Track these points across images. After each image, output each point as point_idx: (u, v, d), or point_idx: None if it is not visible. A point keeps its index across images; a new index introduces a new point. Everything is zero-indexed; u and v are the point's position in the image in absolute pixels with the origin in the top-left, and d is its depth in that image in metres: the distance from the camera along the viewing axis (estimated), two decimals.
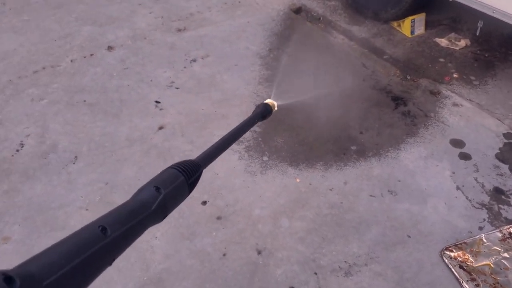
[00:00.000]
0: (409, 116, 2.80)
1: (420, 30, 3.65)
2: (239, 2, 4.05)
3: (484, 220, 2.15)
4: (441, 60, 3.36)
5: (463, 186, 2.33)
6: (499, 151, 2.53)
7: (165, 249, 2.02)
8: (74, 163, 2.45)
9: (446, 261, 1.95)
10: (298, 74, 3.12)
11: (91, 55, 3.33)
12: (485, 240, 2.04)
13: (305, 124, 2.72)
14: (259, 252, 2.02)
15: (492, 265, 1.94)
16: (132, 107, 2.85)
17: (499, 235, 2.06)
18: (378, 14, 3.70)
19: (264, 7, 3.98)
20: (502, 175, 2.39)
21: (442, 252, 1.99)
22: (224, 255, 2.01)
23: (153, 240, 2.05)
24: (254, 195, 2.28)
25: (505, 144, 2.58)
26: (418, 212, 2.20)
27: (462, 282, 1.87)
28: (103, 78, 3.09)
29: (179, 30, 3.67)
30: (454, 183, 2.34)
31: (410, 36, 3.61)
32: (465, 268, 1.92)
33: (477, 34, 3.29)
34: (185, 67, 3.23)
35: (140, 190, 0.69)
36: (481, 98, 2.96)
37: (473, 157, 2.49)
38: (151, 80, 3.09)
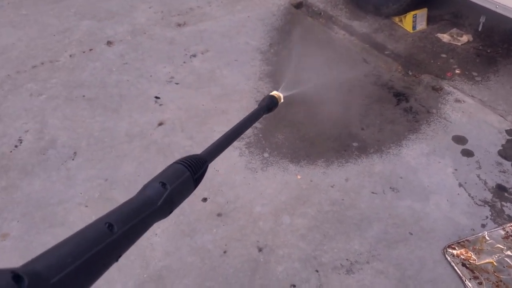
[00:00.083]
0: (411, 112, 2.78)
1: (422, 25, 3.62)
2: None
3: (487, 217, 2.14)
4: (443, 55, 3.33)
5: (465, 183, 2.31)
6: (501, 148, 2.51)
7: (165, 246, 2.00)
8: (73, 159, 2.42)
9: (449, 258, 1.94)
10: (299, 70, 3.09)
11: (90, 50, 3.30)
12: (488, 238, 2.02)
13: (306, 120, 2.70)
14: (260, 249, 2.00)
15: (495, 263, 1.92)
16: (132, 102, 2.82)
17: (502, 232, 2.05)
18: (379, 9, 3.66)
19: (264, 1, 3.95)
20: (504, 172, 2.37)
21: (445, 250, 1.97)
22: (224, 252, 1.99)
23: (153, 237, 2.03)
24: (255, 192, 2.26)
25: (507, 140, 2.55)
26: (420, 209, 2.18)
27: (465, 280, 1.85)
28: (103, 73, 3.07)
29: (179, 25, 3.63)
30: (457, 180, 2.33)
31: (411, 31, 3.59)
32: (467, 266, 1.91)
33: (479, 29, 3.26)
34: (184, 62, 3.20)
35: (146, 186, 0.69)
36: (483, 94, 2.94)
37: (476, 154, 2.47)
38: (151, 76, 3.06)
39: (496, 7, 2.82)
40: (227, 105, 2.80)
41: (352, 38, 3.54)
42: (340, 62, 3.22)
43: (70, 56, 3.22)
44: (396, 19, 3.67)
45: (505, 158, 2.45)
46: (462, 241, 2.01)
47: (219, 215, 2.14)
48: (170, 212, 0.70)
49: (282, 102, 1.24)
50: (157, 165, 2.38)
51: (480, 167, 2.40)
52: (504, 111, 2.78)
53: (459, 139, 2.57)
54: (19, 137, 2.54)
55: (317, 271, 1.92)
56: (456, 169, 2.38)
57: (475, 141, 2.56)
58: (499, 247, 1.99)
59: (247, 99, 2.85)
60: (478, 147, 2.52)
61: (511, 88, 2.98)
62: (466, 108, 2.79)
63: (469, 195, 2.24)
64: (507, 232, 2.05)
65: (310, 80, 2.95)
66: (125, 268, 1.90)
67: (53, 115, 2.70)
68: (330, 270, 1.93)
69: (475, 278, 1.87)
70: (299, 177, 2.34)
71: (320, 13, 3.84)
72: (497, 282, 1.85)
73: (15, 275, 0.42)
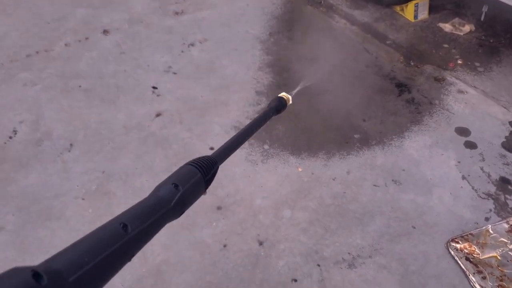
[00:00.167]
0: (413, 103, 2.73)
1: (423, 14, 3.57)
2: None
3: (491, 210, 2.11)
4: (445, 45, 3.28)
5: (468, 175, 2.27)
6: (505, 140, 2.47)
7: (164, 240, 1.96)
8: (69, 151, 2.37)
9: (452, 253, 1.91)
10: (299, 60, 3.04)
11: (86, 39, 3.23)
12: (491, 232, 1.99)
13: (307, 111, 2.65)
14: (260, 243, 1.97)
15: (499, 257, 1.90)
16: (129, 93, 2.76)
17: (506, 226, 2.02)
18: None
19: None
20: (508, 165, 2.34)
21: (448, 244, 1.95)
22: (224, 246, 1.95)
23: None
24: (255, 184, 2.22)
25: (511, 132, 2.52)
26: (423, 202, 2.15)
27: (469, 275, 1.82)
28: (99, 63, 3.00)
29: (177, 13, 3.56)
30: (460, 172, 2.29)
31: (413, 20, 3.53)
32: (471, 260, 1.88)
33: (482, 19, 3.21)
34: (182, 52, 3.14)
35: (159, 187, 0.71)
36: (486, 85, 2.90)
37: (479, 146, 2.44)
38: (148, 65, 3.00)
39: None
40: (226, 96, 2.75)
41: (353, 28, 3.48)
42: (341, 52, 3.17)
43: (65, 45, 3.15)
44: (398, 8, 3.61)
45: (509, 150, 2.41)
46: (465, 235, 1.98)
47: (218, 208, 2.10)
48: (182, 213, 0.71)
49: (290, 104, 1.25)
50: (155, 158, 2.34)
51: (483, 160, 2.36)
52: (507, 102, 2.74)
53: (462, 131, 2.53)
54: (14, 128, 2.49)
55: (318, 265, 1.89)
56: (459, 162, 2.35)
57: (478, 133, 2.52)
58: (503, 240, 1.96)
59: (247, 90, 2.80)
60: (481, 139, 2.48)
61: None
62: (469, 99, 2.75)
63: (473, 188, 2.21)
64: (511, 225, 2.02)
65: (311, 71, 2.90)
66: None
67: (48, 106, 2.64)
68: (332, 264, 1.90)
69: (479, 272, 1.84)
70: (300, 169, 2.31)
71: (321, 2, 3.77)
72: (501, 277, 1.83)
73: (35, 273, 0.43)
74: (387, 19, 3.57)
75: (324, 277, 1.85)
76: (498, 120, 2.60)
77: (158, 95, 2.74)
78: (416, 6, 3.49)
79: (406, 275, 1.85)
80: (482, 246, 1.94)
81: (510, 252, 1.92)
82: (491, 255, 1.91)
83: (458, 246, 1.94)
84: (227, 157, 0.90)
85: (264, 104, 2.66)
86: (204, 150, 2.38)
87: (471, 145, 2.44)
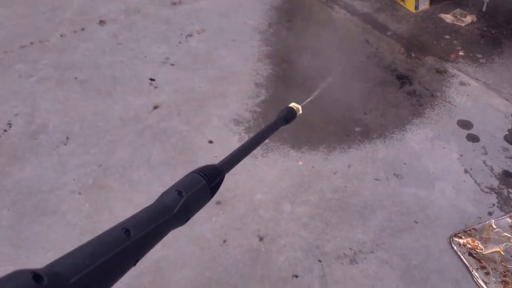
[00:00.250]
0: (415, 95, 2.69)
1: (424, 5, 3.51)
2: None
3: (494, 205, 2.08)
4: (447, 37, 3.24)
5: (471, 169, 2.24)
6: (508, 133, 2.44)
7: None
8: (65, 144, 2.33)
9: (455, 248, 1.88)
10: (298, 51, 2.99)
11: (82, 29, 3.17)
12: (494, 226, 1.97)
13: (307, 104, 2.60)
14: (260, 239, 1.94)
15: (502, 252, 1.87)
16: (126, 84, 2.71)
17: (509, 220, 1.99)
18: None
19: None
20: (511, 158, 2.30)
21: (451, 239, 1.92)
22: (224, 241, 1.92)
23: None
24: (255, 178, 2.18)
25: None
26: (425, 196, 2.12)
27: (472, 270, 1.80)
28: (95, 54, 2.95)
29: (174, 3, 3.50)
30: (462, 166, 2.26)
31: (414, 11, 3.48)
32: (474, 255, 1.86)
33: (484, 10, 3.17)
34: (180, 42, 3.08)
35: (163, 194, 0.72)
36: (488, 76, 2.86)
37: (481, 139, 2.41)
38: (145, 56, 2.94)
39: None
40: (225, 88, 2.70)
41: (353, 18, 3.42)
42: (341, 43, 3.12)
43: (61, 36, 3.09)
44: None
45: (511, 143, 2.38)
46: (468, 230, 1.96)
47: (218, 203, 2.07)
48: (187, 220, 0.73)
49: (300, 114, 1.26)
50: (152, 151, 2.30)
51: (486, 153, 2.33)
52: (509, 94, 2.70)
53: (464, 124, 2.50)
54: (8, 121, 2.44)
55: (319, 260, 1.86)
56: (461, 155, 2.32)
57: (480, 125, 2.49)
58: (506, 235, 1.94)
59: (245, 81, 2.75)
60: (484, 132, 2.45)
61: None
62: (471, 92, 2.72)
63: (475, 181, 2.18)
64: None
65: (310, 63, 2.85)
66: None
67: (44, 98, 2.59)
68: (333, 259, 1.87)
69: (482, 267, 1.82)
70: (300, 163, 2.27)
71: None
72: (504, 272, 1.80)
73: (35, 275, 0.43)
74: (387, 10, 3.52)
75: (326, 272, 1.82)
76: (500, 112, 2.57)
77: (155, 87, 2.69)
78: None
79: (408, 270, 1.83)
80: (485, 241, 1.91)
81: None
82: (494, 250, 1.89)
83: (461, 241, 1.91)
84: (234, 166, 0.91)
85: (263, 96, 2.62)
86: (202, 143, 2.34)
87: (473, 138, 2.41)
